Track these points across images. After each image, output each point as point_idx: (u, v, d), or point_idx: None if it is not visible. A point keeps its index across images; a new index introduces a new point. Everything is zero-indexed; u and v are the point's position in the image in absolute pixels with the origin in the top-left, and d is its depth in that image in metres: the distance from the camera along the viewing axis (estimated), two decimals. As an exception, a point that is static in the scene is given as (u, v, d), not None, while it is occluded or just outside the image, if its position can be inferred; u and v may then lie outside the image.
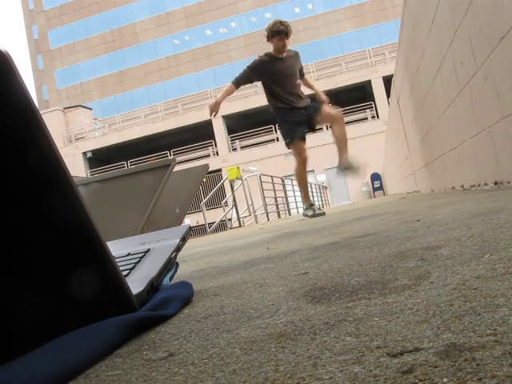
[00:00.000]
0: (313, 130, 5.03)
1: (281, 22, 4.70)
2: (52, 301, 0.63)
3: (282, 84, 4.79)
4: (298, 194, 14.85)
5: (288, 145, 4.88)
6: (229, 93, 4.85)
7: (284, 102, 4.81)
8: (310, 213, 4.97)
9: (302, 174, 4.98)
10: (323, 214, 4.95)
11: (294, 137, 4.79)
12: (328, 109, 4.83)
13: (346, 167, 4.65)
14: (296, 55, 4.95)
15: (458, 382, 0.34)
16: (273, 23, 4.74)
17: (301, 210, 14.22)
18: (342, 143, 4.78)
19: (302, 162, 4.87)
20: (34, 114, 0.55)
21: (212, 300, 0.87)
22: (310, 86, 5.19)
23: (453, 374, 0.35)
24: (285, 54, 4.82)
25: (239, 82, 4.84)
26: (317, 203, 16.85)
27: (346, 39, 34.32)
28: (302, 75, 5.03)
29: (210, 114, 4.78)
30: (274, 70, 4.77)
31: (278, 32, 4.66)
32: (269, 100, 4.94)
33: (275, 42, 4.72)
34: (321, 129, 5.32)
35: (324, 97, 4.99)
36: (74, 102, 36.52)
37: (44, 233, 0.60)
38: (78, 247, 0.62)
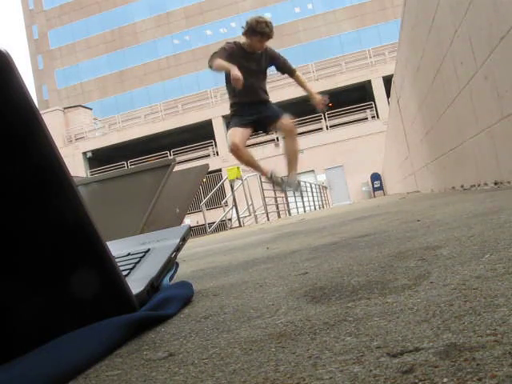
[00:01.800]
0: (265, 131, 4.74)
1: (266, 23, 4.27)
2: (52, 301, 0.63)
3: (245, 78, 4.27)
4: (298, 193, 14.84)
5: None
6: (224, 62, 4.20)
7: (239, 97, 4.42)
8: (275, 181, 4.68)
9: (239, 159, 4.57)
10: (281, 182, 4.59)
11: (232, 126, 4.47)
12: (286, 121, 4.49)
13: (289, 185, 4.60)
14: (267, 54, 4.48)
15: (458, 382, 0.34)
16: (257, 21, 4.27)
17: (301, 211, 14.22)
18: (291, 160, 4.67)
19: (230, 148, 4.44)
20: (34, 113, 0.55)
21: (212, 300, 0.87)
22: (301, 86, 4.73)
23: (453, 374, 0.35)
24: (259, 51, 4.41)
25: (219, 55, 4.25)
26: (314, 203, 16.83)
27: (346, 39, 34.31)
28: (290, 72, 4.60)
29: (238, 84, 4.10)
30: (240, 63, 4.28)
31: (261, 33, 4.25)
32: (228, 92, 4.54)
33: (253, 40, 4.29)
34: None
35: (318, 97, 4.52)
36: (74, 102, 36.52)
37: (44, 233, 0.60)
38: (78, 247, 0.62)
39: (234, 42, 4.45)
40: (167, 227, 1.34)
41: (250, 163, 4.71)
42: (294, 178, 4.66)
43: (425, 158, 6.06)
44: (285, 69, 4.60)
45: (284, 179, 4.67)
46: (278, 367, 0.44)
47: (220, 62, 4.14)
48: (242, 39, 4.43)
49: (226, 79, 4.46)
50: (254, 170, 4.95)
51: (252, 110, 4.50)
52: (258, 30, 4.23)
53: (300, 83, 4.71)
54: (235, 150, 4.42)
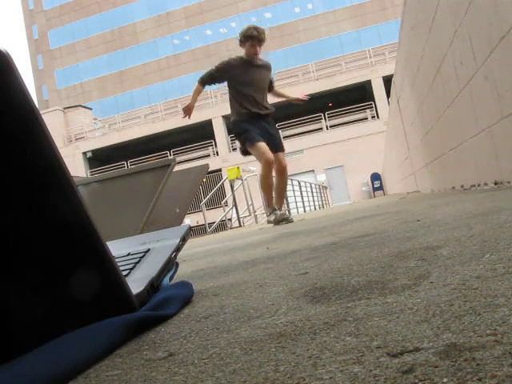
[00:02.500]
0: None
1: (255, 28, 4.56)
2: (52, 301, 0.63)
3: (249, 90, 4.62)
4: (297, 194, 14.85)
5: (248, 148, 4.62)
6: (198, 92, 4.74)
7: (246, 109, 4.61)
8: (272, 218, 4.72)
9: (266, 179, 4.75)
10: (288, 220, 4.63)
11: (256, 140, 4.53)
12: (281, 158, 4.71)
13: (278, 221, 4.64)
14: (268, 67, 4.81)
15: (458, 382, 0.34)
16: (246, 28, 4.60)
17: (301, 211, 14.22)
18: (279, 196, 4.84)
19: (266, 163, 4.55)
20: (34, 113, 0.55)
21: (212, 300, 0.87)
22: (281, 95, 5.12)
23: (453, 374, 0.35)
24: (259, 62, 4.67)
25: (204, 81, 4.67)
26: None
27: (345, 39, 34.31)
28: (271, 88, 4.92)
29: (184, 117, 4.76)
30: (243, 74, 4.61)
31: (251, 37, 4.52)
32: (231, 106, 4.75)
33: (247, 47, 4.58)
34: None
35: (295, 97, 5.08)
36: (74, 102, 36.53)
37: (44, 233, 0.60)
38: (78, 247, 0.62)
39: (236, 56, 4.73)
40: (167, 227, 1.34)
41: (267, 187, 4.87)
42: (283, 211, 4.92)
43: (425, 158, 6.06)
44: (271, 85, 4.94)
45: (280, 218, 4.71)
46: (278, 367, 0.44)
47: (194, 92, 4.76)
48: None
49: (228, 86, 4.75)
50: (266, 195, 4.99)
51: (258, 124, 4.67)
52: (248, 34, 4.56)
53: (280, 94, 5.15)
54: (268, 165, 4.61)
